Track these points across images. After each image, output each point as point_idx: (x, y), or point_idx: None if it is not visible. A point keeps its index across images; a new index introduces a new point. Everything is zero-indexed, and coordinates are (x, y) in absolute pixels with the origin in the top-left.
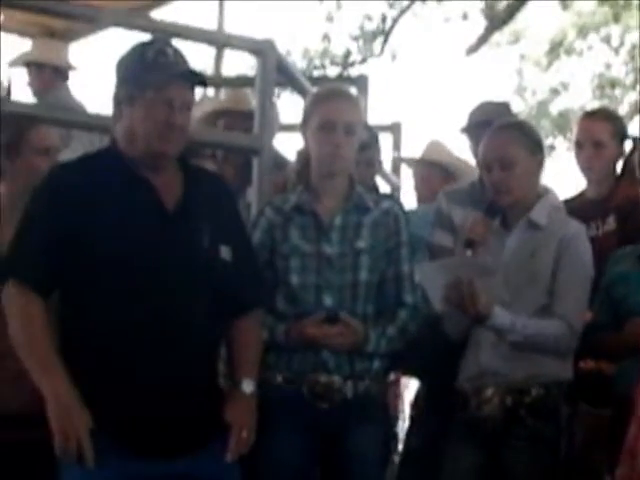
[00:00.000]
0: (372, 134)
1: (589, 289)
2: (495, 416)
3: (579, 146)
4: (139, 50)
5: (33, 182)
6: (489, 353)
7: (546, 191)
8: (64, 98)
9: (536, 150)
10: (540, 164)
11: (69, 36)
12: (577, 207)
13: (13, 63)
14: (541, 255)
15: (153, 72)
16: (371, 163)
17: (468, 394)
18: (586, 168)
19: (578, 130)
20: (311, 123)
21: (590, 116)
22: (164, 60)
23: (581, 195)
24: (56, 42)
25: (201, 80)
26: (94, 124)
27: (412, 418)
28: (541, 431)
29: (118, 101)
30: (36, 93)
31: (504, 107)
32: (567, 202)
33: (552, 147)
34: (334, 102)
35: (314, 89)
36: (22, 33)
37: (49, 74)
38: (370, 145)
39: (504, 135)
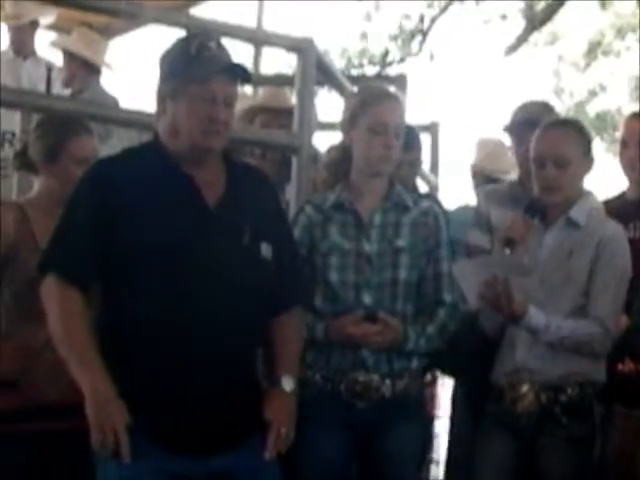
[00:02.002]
0: (415, 135)
1: (625, 291)
2: (529, 412)
3: (624, 145)
4: (182, 44)
5: (67, 188)
6: (524, 351)
7: (587, 193)
8: (96, 92)
9: (588, 150)
10: (590, 164)
11: (108, 32)
12: (616, 208)
13: (53, 44)
14: (579, 255)
15: (196, 66)
16: (413, 164)
17: (503, 388)
18: (629, 168)
19: (625, 130)
20: (360, 123)
21: (638, 116)
22: (207, 53)
23: (621, 196)
24: (95, 35)
25: (244, 74)
26: (133, 120)
27: (451, 419)
28: (576, 430)
29: (162, 96)
30: (65, 82)
31: (548, 107)
32: (607, 203)
33: None
34: (387, 104)
35: (354, 88)
36: (61, 30)
37: (78, 65)
38: (413, 146)
39: (561, 132)
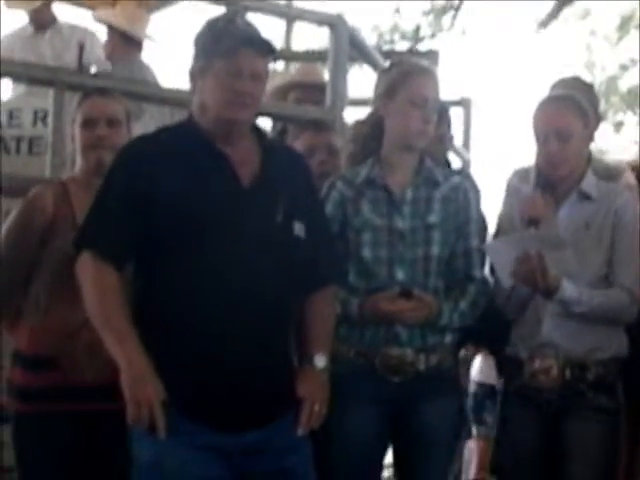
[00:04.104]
0: (444, 110)
1: None
2: (552, 387)
3: None
4: (210, 23)
5: (86, 155)
6: (551, 325)
7: (622, 172)
8: (135, 68)
9: (588, 121)
10: (592, 135)
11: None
12: None
13: (96, 18)
14: (597, 226)
15: (221, 41)
16: (442, 139)
17: (523, 361)
18: None
19: None
20: (400, 95)
21: None
22: (232, 28)
23: None
24: (139, 10)
25: (269, 47)
26: (166, 97)
27: None
28: (603, 402)
29: (192, 75)
30: (108, 57)
31: (586, 84)
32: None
33: (621, 123)
34: (428, 78)
35: (387, 63)
36: (92, 6)
37: (119, 39)
38: (442, 121)
39: (561, 106)
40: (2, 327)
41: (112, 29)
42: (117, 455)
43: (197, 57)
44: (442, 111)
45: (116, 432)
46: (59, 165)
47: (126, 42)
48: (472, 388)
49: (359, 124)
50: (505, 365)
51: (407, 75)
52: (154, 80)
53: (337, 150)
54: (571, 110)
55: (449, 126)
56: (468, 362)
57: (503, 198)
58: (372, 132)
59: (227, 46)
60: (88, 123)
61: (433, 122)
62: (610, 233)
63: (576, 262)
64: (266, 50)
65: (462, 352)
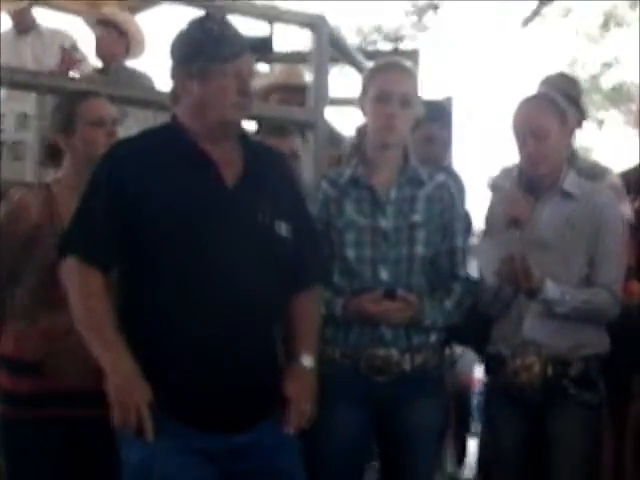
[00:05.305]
0: (447, 112)
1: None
2: (534, 384)
3: None
4: (200, 25)
5: (91, 155)
6: (534, 324)
7: (606, 172)
8: (129, 72)
9: (566, 118)
10: (571, 131)
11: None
12: (636, 179)
13: (87, 21)
14: (580, 225)
15: (224, 45)
16: (447, 142)
17: (505, 359)
18: None
19: None
20: (368, 95)
21: None
22: (229, 32)
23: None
24: (124, 13)
25: (269, 48)
26: (151, 100)
27: None
28: (585, 398)
29: (184, 77)
30: (102, 57)
31: (569, 80)
32: (625, 174)
33: (602, 121)
34: (390, 73)
35: (368, 63)
36: (74, 11)
37: (117, 41)
38: (447, 123)
39: (535, 105)
40: None
41: (107, 29)
42: (103, 460)
43: (190, 60)
44: (446, 114)
45: (102, 437)
46: (42, 169)
47: (120, 43)
48: (478, 387)
49: (358, 128)
50: (488, 363)
51: (373, 73)
52: (150, 83)
53: (297, 155)
54: (546, 108)
55: (445, 127)
56: (453, 361)
57: (490, 196)
58: (358, 134)
59: (232, 50)
60: (97, 122)
61: (402, 117)
62: (592, 232)
63: (559, 262)
64: (266, 51)
65: (447, 351)
